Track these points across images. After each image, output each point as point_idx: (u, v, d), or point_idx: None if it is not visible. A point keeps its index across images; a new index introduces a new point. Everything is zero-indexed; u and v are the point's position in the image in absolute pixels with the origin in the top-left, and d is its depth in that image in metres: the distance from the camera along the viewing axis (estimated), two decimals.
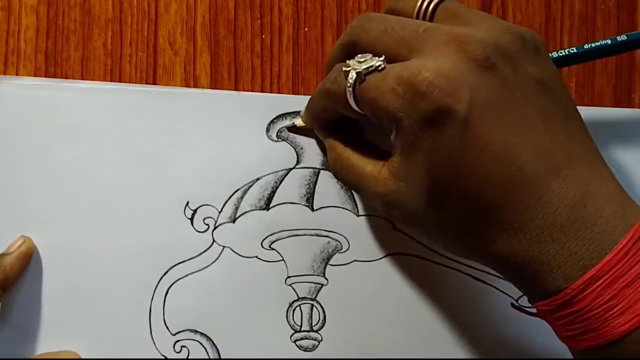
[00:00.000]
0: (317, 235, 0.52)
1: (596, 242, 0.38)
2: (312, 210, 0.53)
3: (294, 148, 0.53)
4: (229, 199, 0.53)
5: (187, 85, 0.54)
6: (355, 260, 0.52)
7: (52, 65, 0.54)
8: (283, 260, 0.52)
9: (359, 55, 0.42)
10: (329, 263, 0.52)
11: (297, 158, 0.53)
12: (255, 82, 0.54)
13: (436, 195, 0.40)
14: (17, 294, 0.52)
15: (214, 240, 0.52)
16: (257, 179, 0.53)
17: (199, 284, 0.52)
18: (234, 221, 0.52)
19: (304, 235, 0.53)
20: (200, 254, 0.52)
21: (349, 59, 0.43)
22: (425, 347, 0.52)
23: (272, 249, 0.52)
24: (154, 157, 0.52)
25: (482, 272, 0.52)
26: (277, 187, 0.53)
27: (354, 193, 0.52)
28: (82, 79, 0.54)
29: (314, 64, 0.54)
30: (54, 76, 0.54)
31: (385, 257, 0.52)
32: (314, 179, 0.53)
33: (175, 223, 0.52)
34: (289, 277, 0.52)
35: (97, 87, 0.53)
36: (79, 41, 0.54)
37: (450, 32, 0.40)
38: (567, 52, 0.48)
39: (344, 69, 0.43)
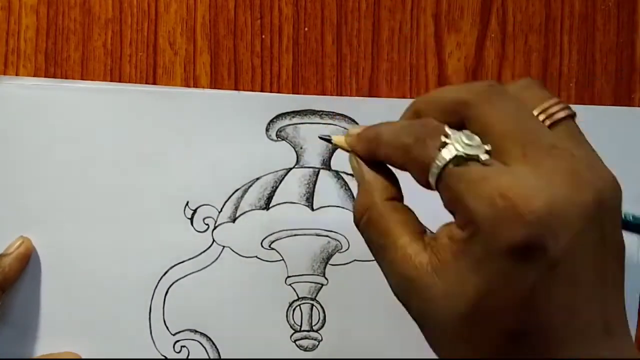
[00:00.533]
0: (317, 235, 0.52)
1: None
2: (312, 209, 0.52)
3: (294, 147, 0.53)
4: (228, 198, 0.52)
5: (187, 85, 0.53)
6: (355, 260, 0.52)
7: (52, 65, 0.53)
8: (283, 260, 0.52)
9: (467, 134, 0.36)
10: (329, 263, 0.52)
11: (297, 157, 0.53)
12: (255, 82, 0.53)
13: (477, 319, 0.36)
14: (16, 295, 0.52)
15: (213, 240, 0.52)
16: (257, 179, 0.53)
17: (199, 284, 0.52)
18: (233, 221, 0.52)
19: (304, 235, 0.52)
20: (200, 253, 0.52)
21: (451, 117, 0.38)
22: (426, 346, 0.51)
23: (272, 248, 0.52)
24: (154, 157, 0.52)
25: None
26: (276, 187, 0.52)
27: (353, 193, 0.52)
28: (82, 79, 0.53)
29: (314, 64, 0.53)
30: (54, 76, 0.53)
31: None
32: (314, 179, 0.52)
33: (175, 223, 0.52)
34: (288, 276, 0.52)
35: (97, 87, 0.53)
36: (79, 41, 0.54)
37: (576, 165, 0.35)
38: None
39: (442, 138, 0.36)
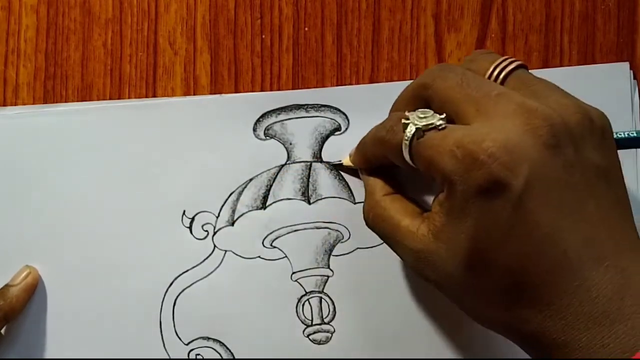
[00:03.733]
0: (317, 227, 0.52)
1: (629, 337, 0.36)
2: (309, 203, 0.52)
3: (283, 144, 0.52)
4: (224, 202, 0.52)
5: (187, 85, 0.53)
6: (357, 248, 0.51)
7: (52, 65, 0.53)
8: (286, 257, 0.51)
9: (420, 110, 0.41)
10: (332, 254, 0.51)
11: (288, 154, 0.52)
12: (255, 82, 0.53)
13: (477, 263, 0.39)
14: (22, 322, 0.51)
15: (215, 246, 0.51)
16: (251, 180, 0.52)
17: (206, 291, 0.51)
18: (232, 224, 0.52)
19: (304, 229, 0.52)
20: (203, 261, 0.51)
21: (417, 103, 0.43)
22: (436, 326, 0.51)
23: (274, 247, 0.52)
24: (144, 171, 0.52)
25: None
26: (271, 185, 0.52)
27: (348, 182, 0.52)
28: (82, 78, 0.53)
29: (314, 64, 0.53)
30: (54, 76, 0.53)
31: None
32: (307, 172, 0.52)
33: (175, 233, 0.52)
34: (294, 272, 0.51)
35: (80, 107, 0.53)
36: (79, 41, 0.53)
37: (522, 103, 0.39)
38: (634, 135, 0.45)
39: (403, 120, 0.41)
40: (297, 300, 0.52)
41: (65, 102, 0.53)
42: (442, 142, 0.39)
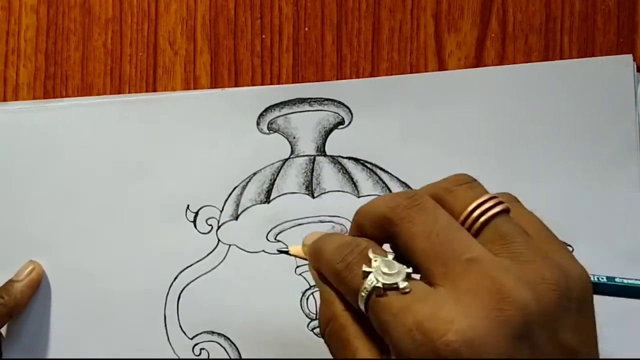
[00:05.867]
0: (321, 221, 0.52)
1: None
2: (313, 197, 0.52)
3: (287, 138, 0.52)
4: (228, 197, 0.52)
5: (187, 85, 0.53)
6: None
7: (52, 65, 0.53)
8: None
9: (385, 262, 0.36)
10: None
11: (291, 147, 0.52)
12: (255, 82, 0.53)
13: None
14: (26, 318, 0.52)
15: (219, 240, 0.52)
16: (254, 174, 0.52)
17: (210, 285, 0.52)
18: (236, 218, 0.52)
19: (308, 223, 0.52)
20: (207, 255, 0.52)
21: (382, 232, 0.37)
22: None
23: (278, 240, 0.52)
24: (148, 165, 0.52)
25: None
26: (274, 179, 0.52)
27: (352, 175, 0.52)
28: (82, 78, 0.53)
29: (314, 64, 0.53)
30: (54, 76, 0.53)
31: None
32: (310, 166, 0.52)
33: (179, 228, 0.52)
34: (298, 266, 0.52)
35: (82, 102, 0.53)
36: (79, 41, 0.53)
37: (496, 279, 0.34)
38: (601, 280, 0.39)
39: (364, 268, 0.36)
40: (301, 294, 0.52)
41: None
42: (401, 313, 0.34)
